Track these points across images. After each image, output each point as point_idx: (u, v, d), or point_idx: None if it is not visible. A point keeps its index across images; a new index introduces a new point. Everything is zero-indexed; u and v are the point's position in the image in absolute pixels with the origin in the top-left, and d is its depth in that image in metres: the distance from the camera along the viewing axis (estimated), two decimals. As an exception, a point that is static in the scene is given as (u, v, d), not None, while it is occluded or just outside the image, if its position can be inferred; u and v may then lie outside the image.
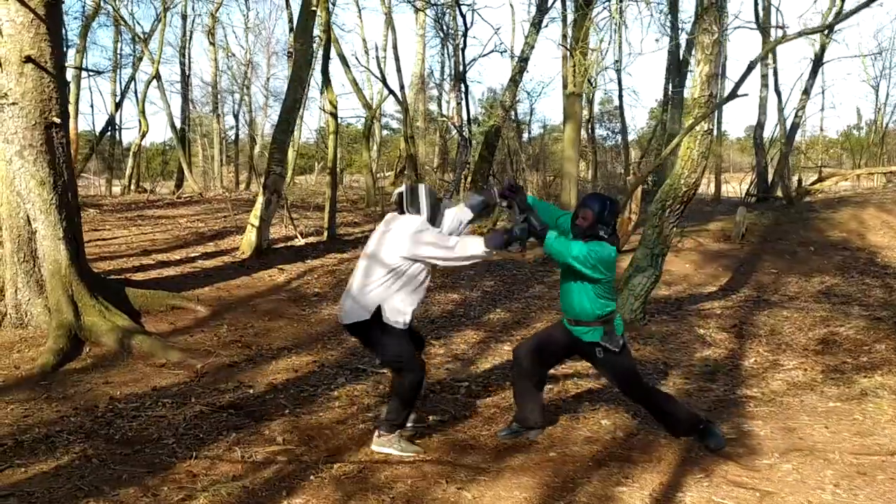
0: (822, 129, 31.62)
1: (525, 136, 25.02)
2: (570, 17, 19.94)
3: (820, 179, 16.84)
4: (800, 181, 17.67)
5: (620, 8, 8.51)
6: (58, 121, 6.47)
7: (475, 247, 4.03)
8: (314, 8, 10.06)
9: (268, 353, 6.43)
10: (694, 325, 7.32)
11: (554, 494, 3.73)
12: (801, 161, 24.14)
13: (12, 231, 6.49)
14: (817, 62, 17.77)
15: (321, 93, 25.35)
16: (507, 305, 8.24)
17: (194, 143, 28.57)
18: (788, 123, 17.87)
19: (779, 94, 17.06)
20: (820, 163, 25.24)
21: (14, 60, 6.30)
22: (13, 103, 6.32)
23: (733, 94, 5.68)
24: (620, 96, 18.68)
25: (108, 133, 24.63)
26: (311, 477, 3.96)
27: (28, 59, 6.32)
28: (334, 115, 11.32)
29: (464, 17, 16.99)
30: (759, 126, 18.17)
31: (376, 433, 4.32)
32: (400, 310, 4.18)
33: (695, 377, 5.76)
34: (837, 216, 12.50)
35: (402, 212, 4.22)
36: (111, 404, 5.07)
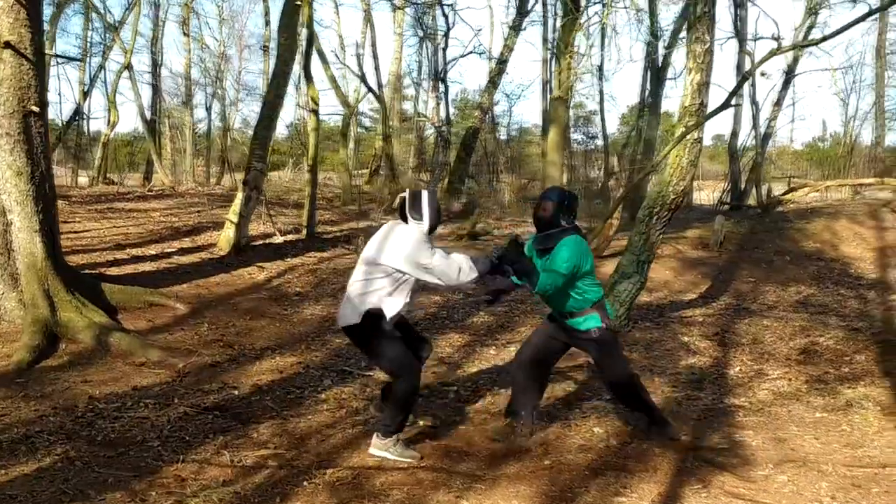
0: (791, 140, 32.16)
1: (503, 136, 25.02)
2: (551, 22, 20.10)
3: (792, 189, 17.09)
4: (769, 191, 17.90)
5: (603, 14, 8.50)
6: (36, 109, 6.27)
7: (466, 274, 4.15)
8: (298, 2, 9.92)
9: (251, 353, 6.30)
10: (677, 332, 7.33)
11: (553, 504, 3.69)
12: (772, 171, 24.48)
13: (-14, 222, 6.28)
14: (789, 74, 18.04)
15: (296, 88, 25.14)
16: (489, 309, 8.18)
17: (163, 135, 28.04)
18: (760, 133, 18.12)
19: (756, 104, 17.28)
20: (789, 173, 25.67)
21: (-8, 46, 6.10)
22: (-9, 90, 6.12)
23: (726, 104, 5.70)
24: (601, 102, 18.74)
25: (76, 122, 24.09)
26: (305, 483, 3.87)
27: (7, 45, 6.13)
28: (315, 112, 11.18)
29: (446, 17, 16.94)
30: (734, 135, 18.39)
31: (375, 436, 4.27)
32: (391, 307, 4.19)
33: (682, 385, 5.76)
34: (811, 227, 12.66)
35: (403, 216, 4.22)
36: (91, 404, 4.92)
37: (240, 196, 9.78)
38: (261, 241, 10.73)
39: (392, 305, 4.17)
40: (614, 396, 4.90)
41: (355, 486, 3.86)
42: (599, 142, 26.29)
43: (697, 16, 6.42)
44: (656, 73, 17.11)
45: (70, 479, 3.80)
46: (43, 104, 6.36)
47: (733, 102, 5.84)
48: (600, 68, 16.80)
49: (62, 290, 6.26)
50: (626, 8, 8.28)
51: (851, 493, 3.76)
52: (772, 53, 5.54)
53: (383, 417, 4.29)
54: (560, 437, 4.65)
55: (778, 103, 18.41)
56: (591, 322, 4.34)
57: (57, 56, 18.02)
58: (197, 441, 4.39)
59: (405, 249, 4.08)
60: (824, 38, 5.12)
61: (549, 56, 19.94)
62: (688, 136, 6.45)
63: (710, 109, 6.48)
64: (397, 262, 4.08)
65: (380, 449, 4.21)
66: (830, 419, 4.98)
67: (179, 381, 5.52)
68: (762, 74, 14.32)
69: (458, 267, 4.11)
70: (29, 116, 6.24)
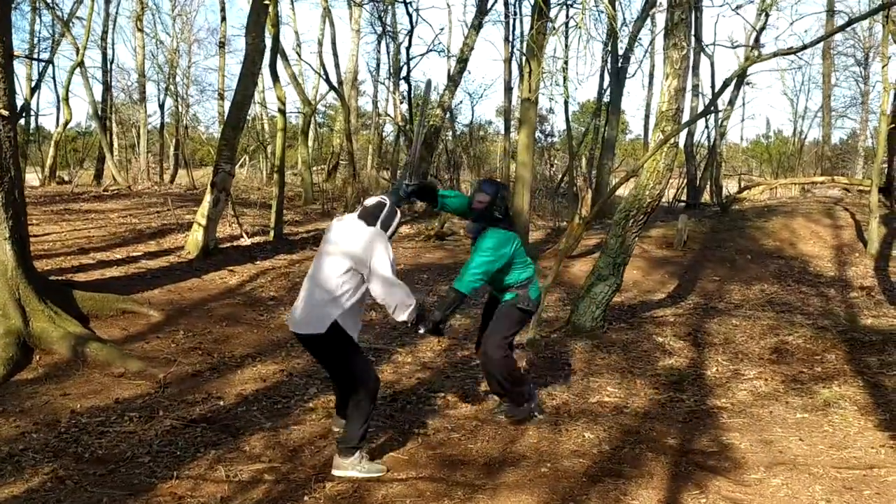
0: (742, 139, 32.95)
1: (462, 128, 24.99)
2: (513, 21, 20.16)
3: (747, 187, 17.49)
4: (720, 188, 18.29)
5: (579, 19, 8.56)
6: (5, 113, 6.05)
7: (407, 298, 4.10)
8: (267, 1, 9.76)
9: (231, 361, 6.19)
10: (651, 332, 7.43)
11: (557, 513, 3.72)
12: (723, 169, 25.02)
13: (-48, 230, 6.03)
14: (742, 74, 18.43)
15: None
16: (465, 311, 8.18)
17: (112, 132, 27.24)
18: (713, 133, 18.49)
19: (716, 105, 17.60)
20: (740, 171, 26.35)
21: (-43, 47, 5.86)
22: (-45, 92, 5.88)
23: (707, 110, 5.81)
24: (566, 102, 18.88)
25: (23, 120, 23.33)
26: (305, 497, 3.84)
27: (-28, 46, 5.90)
28: (282, 112, 11.03)
29: (410, 16, 16.87)
30: (690, 134, 18.72)
31: (337, 456, 4.13)
32: (354, 323, 4.15)
33: (664, 387, 5.84)
34: (769, 225, 12.97)
35: (370, 222, 4.13)
36: (73, 419, 4.78)
37: (208, 198, 9.59)
38: (228, 244, 10.55)
39: (351, 314, 4.12)
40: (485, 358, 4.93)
41: (357, 500, 3.83)
42: (553, 139, 26.55)
43: (675, 22, 6.52)
44: (616, 73, 17.31)
45: (63, 500, 3.69)
46: (12, 107, 6.13)
47: (713, 108, 5.94)
48: (565, 66, 16.90)
49: (34, 300, 6.06)
50: (596, 9, 8.32)
51: (845, 495, 3.86)
52: (752, 61, 5.66)
53: (345, 434, 4.14)
54: (553, 442, 4.68)
55: (731, 103, 18.84)
56: (506, 296, 4.84)
57: (29, 58, 17.37)
58: (188, 456, 4.31)
59: (375, 243, 4.04)
60: (804, 47, 5.26)
61: (510, 56, 20.01)
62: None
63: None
64: (364, 255, 4.03)
65: (345, 469, 4.07)
66: (812, 420, 5.12)
67: (162, 392, 5.40)
68: (747, 83, 14.58)
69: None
70: (-4, 120, 6.02)
